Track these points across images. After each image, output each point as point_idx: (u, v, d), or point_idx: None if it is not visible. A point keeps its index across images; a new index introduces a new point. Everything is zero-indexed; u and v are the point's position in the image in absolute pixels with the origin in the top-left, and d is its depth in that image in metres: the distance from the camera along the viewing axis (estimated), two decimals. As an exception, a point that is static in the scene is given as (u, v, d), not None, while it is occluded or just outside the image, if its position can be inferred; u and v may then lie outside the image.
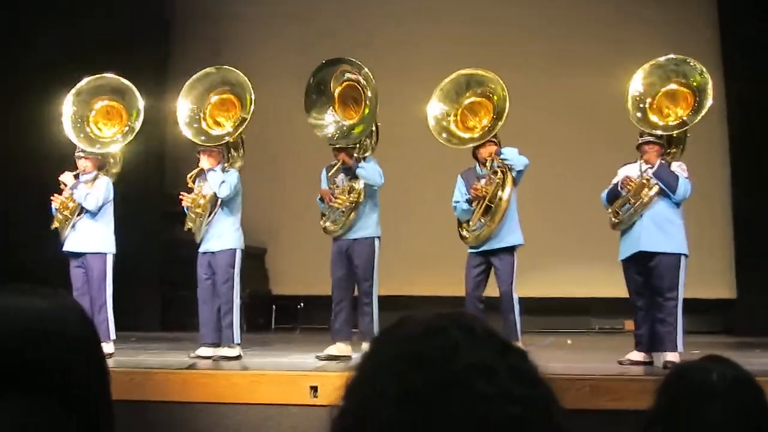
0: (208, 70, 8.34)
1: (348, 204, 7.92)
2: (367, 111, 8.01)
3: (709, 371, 2.02)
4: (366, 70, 8.05)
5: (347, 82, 8.16)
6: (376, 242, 7.99)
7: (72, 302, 1.26)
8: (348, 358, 7.78)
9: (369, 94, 8.01)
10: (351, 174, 7.99)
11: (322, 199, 8.10)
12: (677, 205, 7.30)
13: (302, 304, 11.95)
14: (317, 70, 8.22)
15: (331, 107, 8.16)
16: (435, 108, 8.02)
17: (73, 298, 1.33)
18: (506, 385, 1.03)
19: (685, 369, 2.12)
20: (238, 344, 7.87)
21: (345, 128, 8.10)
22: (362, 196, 7.94)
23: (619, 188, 7.41)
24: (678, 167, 7.32)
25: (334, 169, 8.04)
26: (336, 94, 8.17)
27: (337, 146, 8.05)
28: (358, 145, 8.06)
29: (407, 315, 1.12)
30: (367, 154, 8.07)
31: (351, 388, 1.09)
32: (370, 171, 7.91)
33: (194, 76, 8.28)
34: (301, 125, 8.37)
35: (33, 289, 1.22)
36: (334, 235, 8.04)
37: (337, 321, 7.98)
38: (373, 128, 8.13)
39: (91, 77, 8.34)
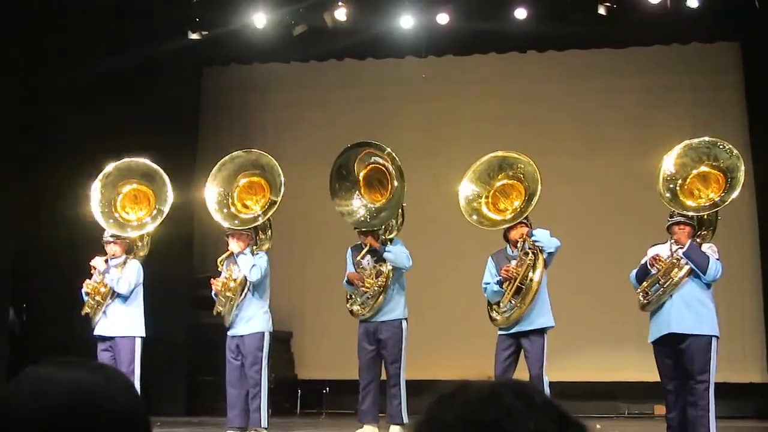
0: (235, 153, 8.38)
1: (376, 288, 7.88)
2: (393, 192, 8.00)
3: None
4: (389, 150, 8.05)
5: (372, 165, 8.15)
6: (404, 324, 7.93)
7: (122, 377, 1.25)
8: (376, 441, 7.68)
9: (394, 174, 8.00)
10: (378, 257, 7.95)
11: (349, 282, 8.03)
12: (708, 286, 7.20)
13: (328, 389, 11.85)
14: (340, 156, 8.24)
15: (357, 191, 8.16)
16: (466, 189, 7.90)
17: (122, 372, 1.30)
18: None
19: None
20: (265, 429, 7.79)
21: (372, 211, 8.08)
22: (390, 280, 7.91)
23: (648, 266, 7.31)
24: (709, 248, 7.22)
25: (362, 253, 7.99)
26: (361, 177, 8.17)
27: (363, 230, 8.05)
28: (383, 227, 8.04)
29: (466, 382, 1.11)
30: (392, 236, 8.05)
31: None
32: (397, 254, 7.87)
33: (222, 160, 8.31)
34: (324, 208, 8.36)
35: (82, 363, 1.21)
36: (362, 318, 8.00)
37: (365, 403, 7.90)
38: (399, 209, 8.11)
39: (120, 161, 8.38)
